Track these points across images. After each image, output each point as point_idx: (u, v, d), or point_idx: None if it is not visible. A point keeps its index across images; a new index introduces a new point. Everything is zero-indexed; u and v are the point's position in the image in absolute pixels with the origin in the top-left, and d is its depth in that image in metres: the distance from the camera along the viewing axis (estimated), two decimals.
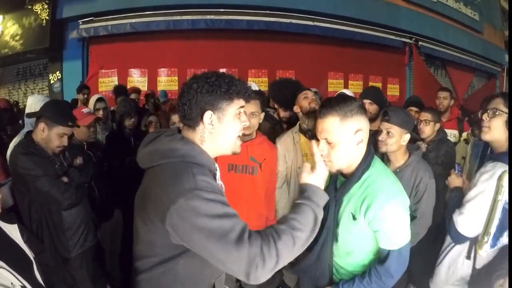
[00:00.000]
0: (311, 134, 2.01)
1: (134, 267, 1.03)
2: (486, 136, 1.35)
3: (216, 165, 1.04)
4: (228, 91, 0.94)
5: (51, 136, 1.68)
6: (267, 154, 1.96)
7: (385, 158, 1.80)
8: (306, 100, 2.10)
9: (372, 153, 1.20)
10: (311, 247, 1.30)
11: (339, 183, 1.26)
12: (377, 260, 1.19)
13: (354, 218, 1.16)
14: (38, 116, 1.72)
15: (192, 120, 0.96)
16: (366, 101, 2.36)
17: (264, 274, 0.86)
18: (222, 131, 0.97)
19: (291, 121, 2.77)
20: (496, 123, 1.30)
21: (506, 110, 1.29)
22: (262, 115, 1.91)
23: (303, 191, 0.98)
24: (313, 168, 1.02)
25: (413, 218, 1.71)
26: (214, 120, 0.95)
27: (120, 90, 4.01)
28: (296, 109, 2.18)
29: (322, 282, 1.31)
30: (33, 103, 2.56)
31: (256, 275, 0.85)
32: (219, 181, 1.07)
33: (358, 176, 1.15)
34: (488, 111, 1.33)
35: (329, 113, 1.10)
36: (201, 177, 0.90)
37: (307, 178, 1.00)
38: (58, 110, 1.72)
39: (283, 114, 2.71)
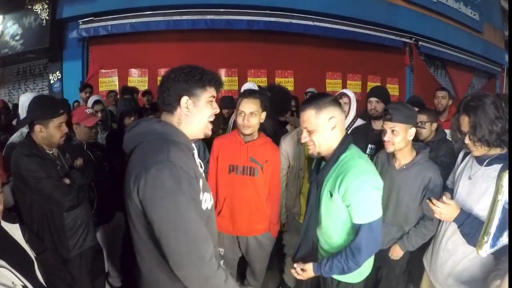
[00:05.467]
0: None
1: (136, 263, 1.12)
2: (478, 153, 1.40)
3: (193, 145, 1.16)
4: (201, 79, 1.09)
5: (51, 132, 1.68)
6: (270, 156, 1.92)
7: (391, 156, 1.80)
8: None
9: (349, 140, 1.37)
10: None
11: (321, 168, 1.43)
12: (351, 239, 1.32)
13: (331, 195, 1.32)
14: (30, 121, 1.69)
15: (171, 105, 1.10)
16: (373, 99, 2.35)
17: (191, 272, 0.96)
18: (196, 114, 1.11)
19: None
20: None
21: (468, 128, 1.35)
22: (263, 114, 1.88)
23: None
24: None
25: (428, 219, 1.70)
26: (189, 104, 1.09)
27: (126, 90, 4.16)
28: None
29: (307, 256, 1.46)
30: (25, 102, 2.54)
31: (189, 267, 0.95)
32: (198, 159, 1.17)
33: (335, 158, 1.34)
34: (468, 135, 1.37)
35: (307, 107, 1.34)
36: (175, 151, 1.00)
37: None
38: (45, 106, 1.70)
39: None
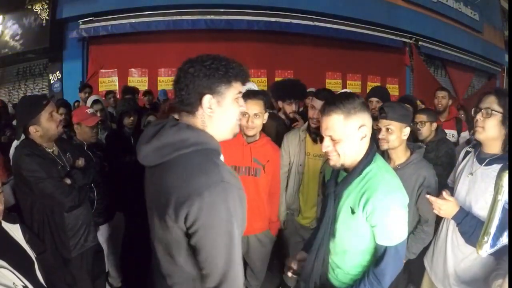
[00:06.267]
0: (315, 138, 2.00)
1: (161, 282, 1.01)
2: (481, 136, 1.35)
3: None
4: (226, 73, 0.92)
5: (45, 126, 1.66)
6: (271, 156, 1.93)
7: (385, 156, 1.79)
8: (312, 111, 2.02)
9: (375, 149, 1.19)
10: (311, 245, 1.32)
11: (340, 178, 1.25)
12: (373, 262, 1.17)
13: (352, 212, 1.15)
14: (23, 128, 1.68)
15: (191, 105, 0.93)
16: (374, 99, 2.35)
17: None
18: (221, 115, 0.95)
19: (302, 115, 2.76)
20: (491, 123, 1.30)
21: (501, 109, 1.28)
22: (266, 115, 1.88)
23: None
24: None
25: (424, 221, 1.69)
26: (213, 104, 0.93)
27: (127, 90, 4.14)
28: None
29: (317, 278, 1.28)
30: None
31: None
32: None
33: (360, 171, 1.15)
34: (482, 111, 1.32)
35: (333, 111, 1.10)
36: (224, 168, 0.90)
37: None
38: (28, 106, 1.68)
39: (289, 109, 2.70)
